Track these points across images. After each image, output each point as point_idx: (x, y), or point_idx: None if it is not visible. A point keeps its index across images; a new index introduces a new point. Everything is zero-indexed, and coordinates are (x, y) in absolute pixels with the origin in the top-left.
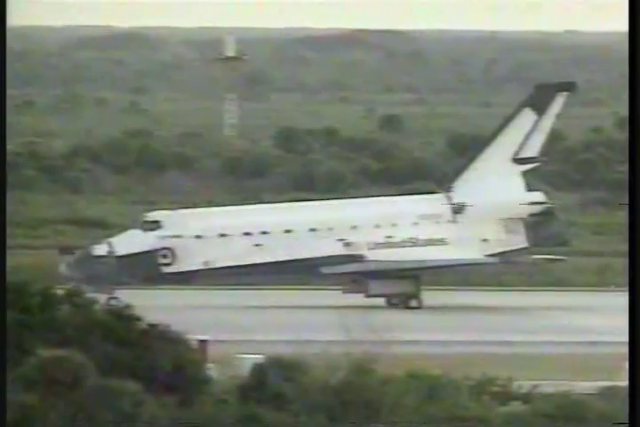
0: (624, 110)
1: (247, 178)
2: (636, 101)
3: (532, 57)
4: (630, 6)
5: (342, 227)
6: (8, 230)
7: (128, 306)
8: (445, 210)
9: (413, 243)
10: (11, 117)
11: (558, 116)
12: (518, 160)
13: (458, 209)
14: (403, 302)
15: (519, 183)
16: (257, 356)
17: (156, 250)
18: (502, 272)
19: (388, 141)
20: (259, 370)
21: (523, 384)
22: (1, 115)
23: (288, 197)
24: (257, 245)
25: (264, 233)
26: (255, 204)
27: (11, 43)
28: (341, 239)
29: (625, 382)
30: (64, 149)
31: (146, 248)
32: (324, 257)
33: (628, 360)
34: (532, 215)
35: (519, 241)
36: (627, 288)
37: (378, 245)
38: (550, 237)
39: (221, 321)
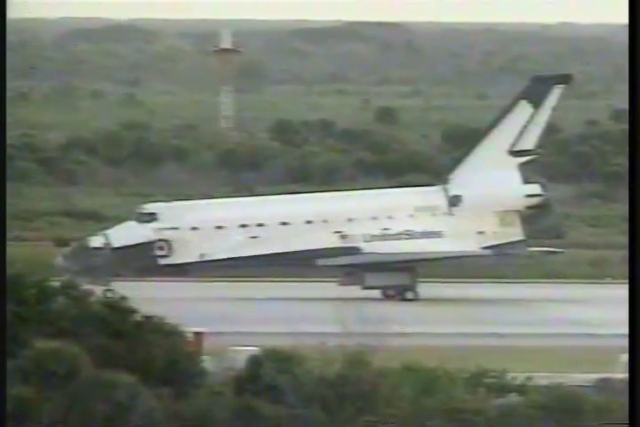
0: (620, 103)
1: (243, 170)
2: (636, 93)
3: (528, 49)
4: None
5: (338, 219)
6: None
7: (124, 298)
8: (441, 202)
9: (409, 235)
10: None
11: (554, 109)
12: (514, 152)
13: (454, 201)
14: (399, 294)
15: (515, 176)
16: (252, 348)
17: (152, 242)
18: (498, 264)
19: (384, 134)
20: (254, 362)
21: (518, 376)
22: (1, 107)
23: (284, 190)
24: (253, 237)
25: (260, 225)
26: (251, 196)
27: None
28: (337, 231)
29: (620, 375)
30: (59, 141)
31: (142, 240)
32: (319, 249)
33: (628, 352)
34: (528, 208)
35: (515, 233)
36: (625, 280)
37: (374, 238)
38: (546, 230)
39: (217, 313)
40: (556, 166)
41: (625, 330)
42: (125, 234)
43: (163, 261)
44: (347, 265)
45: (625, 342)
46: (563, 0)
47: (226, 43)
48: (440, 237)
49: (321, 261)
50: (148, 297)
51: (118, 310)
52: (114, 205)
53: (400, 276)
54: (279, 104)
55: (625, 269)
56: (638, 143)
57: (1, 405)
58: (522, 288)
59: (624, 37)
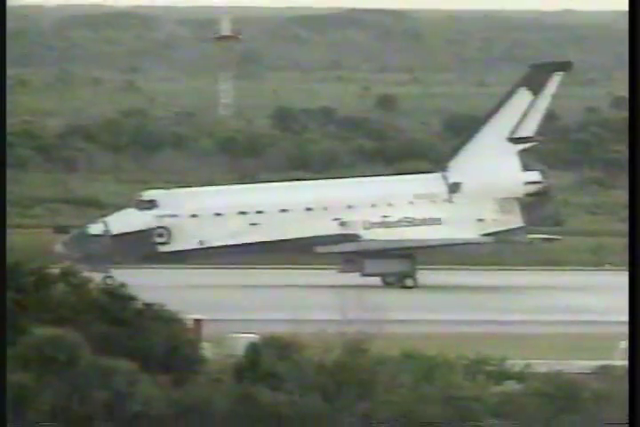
0: (619, 90)
1: (242, 157)
2: (636, 80)
3: (527, 36)
4: None
5: (338, 206)
6: None
7: (123, 285)
8: (441, 189)
9: (409, 222)
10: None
11: (554, 96)
12: (514, 140)
13: (453, 188)
14: (398, 281)
15: (515, 163)
16: (252, 335)
17: (152, 229)
18: (498, 252)
19: (383, 121)
20: (253, 349)
21: (517, 364)
22: (1, 95)
23: (283, 177)
24: (252, 224)
25: (259, 212)
26: (250, 183)
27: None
28: (337, 219)
29: (619, 362)
30: (59, 128)
31: (141, 227)
32: (319, 236)
33: (628, 339)
34: (527, 195)
35: (515, 221)
36: (623, 267)
37: (373, 225)
38: (545, 217)
39: (216, 300)
40: (555, 154)
41: (624, 317)
42: (125, 221)
43: (162, 249)
44: (346, 252)
45: (624, 330)
46: None
47: (225, 30)
48: (439, 224)
49: (320, 249)
50: (147, 284)
51: (118, 297)
52: (113, 193)
53: (399, 263)
54: (279, 91)
55: (625, 256)
56: (638, 130)
57: (1, 392)
58: (521, 275)
59: (624, 25)
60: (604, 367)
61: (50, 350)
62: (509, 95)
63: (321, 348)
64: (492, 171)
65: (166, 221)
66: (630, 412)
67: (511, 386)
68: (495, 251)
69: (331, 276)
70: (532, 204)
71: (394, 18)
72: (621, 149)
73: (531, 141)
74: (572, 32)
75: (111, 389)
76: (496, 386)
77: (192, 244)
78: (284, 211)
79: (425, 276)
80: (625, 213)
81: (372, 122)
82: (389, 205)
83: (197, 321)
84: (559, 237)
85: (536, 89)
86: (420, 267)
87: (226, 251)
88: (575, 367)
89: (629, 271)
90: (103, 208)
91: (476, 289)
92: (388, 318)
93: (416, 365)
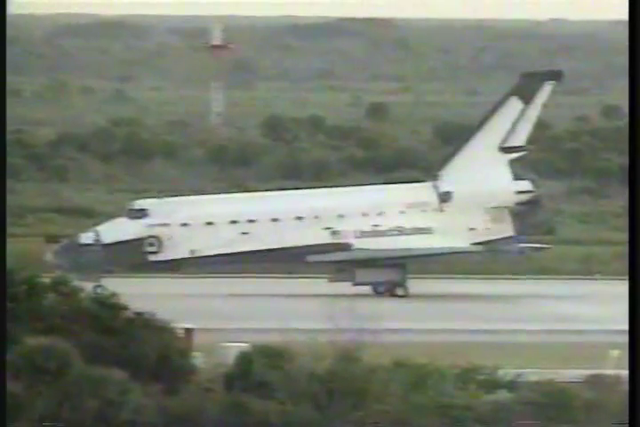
0: (610, 99)
1: (233, 166)
2: (636, 90)
3: (518, 45)
4: None
5: (329, 215)
6: None
7: (114, 294)
8: (432, 199)
9: (400, 231)
10: None
11: (545, 105)
12: (505, 149)
13: (444, 198)
14: (389, 290)
15: (506, 172)
16: (243, 344)
17: (143, 238)
18: (488, 261)
19: (374, 130)
20: (244, 358)
21: (508, 372)
22: (1, 106)
23: (274, 186)
24: (243, 233)
25: (250, 221)
26: (241, 192)
27: None
28: (328, 228)
29: (610, 370)
30: (50, 137)
31: (132, 236)
32: (310, 246)
33: (628, 350)
34: (518, 204)
35: (505, 230)
36: (615, 276)
37: (364, 234)
38: (536, 226)
39: (207, 309)
40: (546, 163)
41: (614, 326)
42: (116, 230)
43: (153, 258)
44: (337, 261)
45: (614, 338)
46: None
47: (216, 39)
48: (430, 233)
49: (311, 258)
50: (138, 293)
51: (109, 306)
52: (104, 202)
53: (390, 272)
54: (269, 100)
55: (615, 265)
56: (638, 139)
57: (1, 400)
58: (512, 284)
59: (615, 34)
60: (595, 376)
61: (40, 358)
62: (500, 104)
63: (312, 357)
64: (483, 180)
65: (157, 231)
66: (630, 418)
67: (503, 395)
68: (486, 260)
69: (321, 285)
70: (523, 213)
71: (385, 27)
72: (612, 158)
73: (521, 150)
74: (563, 41)
75: (102, 398)
76: (487, 395)
77: (183, 253)
78: (275, 220)
79: (416, 285)
80: (616, 222)
81: (363, 131)
82: (380, 214)
83: (188, 330)
84: (549, 246)
85: (527, 98)
86: (411, 276)
87: (217, 260)
88: (566, 376)
89: (629, 281)
90: (94, 217)
91: (467, 298)
92: (380, 327)
93: (407, 373)
